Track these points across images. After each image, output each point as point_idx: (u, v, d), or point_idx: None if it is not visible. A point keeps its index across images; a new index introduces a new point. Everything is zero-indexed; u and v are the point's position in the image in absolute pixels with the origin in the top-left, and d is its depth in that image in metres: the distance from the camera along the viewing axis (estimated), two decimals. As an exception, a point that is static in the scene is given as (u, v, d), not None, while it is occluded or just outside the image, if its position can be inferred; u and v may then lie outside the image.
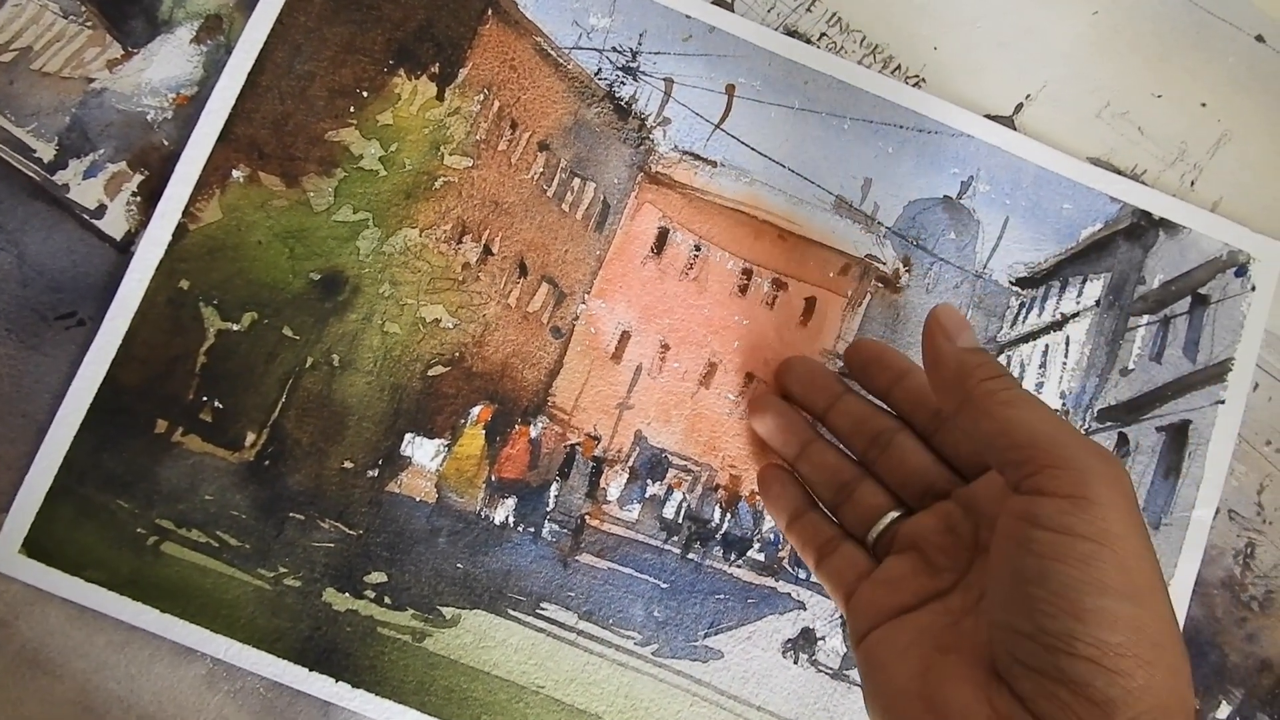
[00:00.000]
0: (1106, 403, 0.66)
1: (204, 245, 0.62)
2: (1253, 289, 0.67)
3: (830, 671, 0.62)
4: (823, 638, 0.62)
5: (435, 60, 0.65)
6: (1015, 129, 0.68)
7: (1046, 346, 0.67)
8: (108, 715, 0.59)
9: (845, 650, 0.62)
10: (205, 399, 0.61)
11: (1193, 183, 0.69)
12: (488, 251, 0.64)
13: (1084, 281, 0.67)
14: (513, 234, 0.65)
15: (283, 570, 0.60)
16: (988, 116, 0.68)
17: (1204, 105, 0.70)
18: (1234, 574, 0.65)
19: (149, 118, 0.64)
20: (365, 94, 0.65)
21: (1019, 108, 0.69)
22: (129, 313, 0.61)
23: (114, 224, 0.63)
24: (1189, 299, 0.67)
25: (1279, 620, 0.64)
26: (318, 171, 0.64)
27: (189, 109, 0.64)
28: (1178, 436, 0.66)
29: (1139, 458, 0.65)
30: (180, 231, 0.62)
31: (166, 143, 0.64)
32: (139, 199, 0.63)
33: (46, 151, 0.64)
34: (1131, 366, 0.67)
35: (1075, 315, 0.67)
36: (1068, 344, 0.67)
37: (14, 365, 0.61)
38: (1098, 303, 0.67)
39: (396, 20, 0.65)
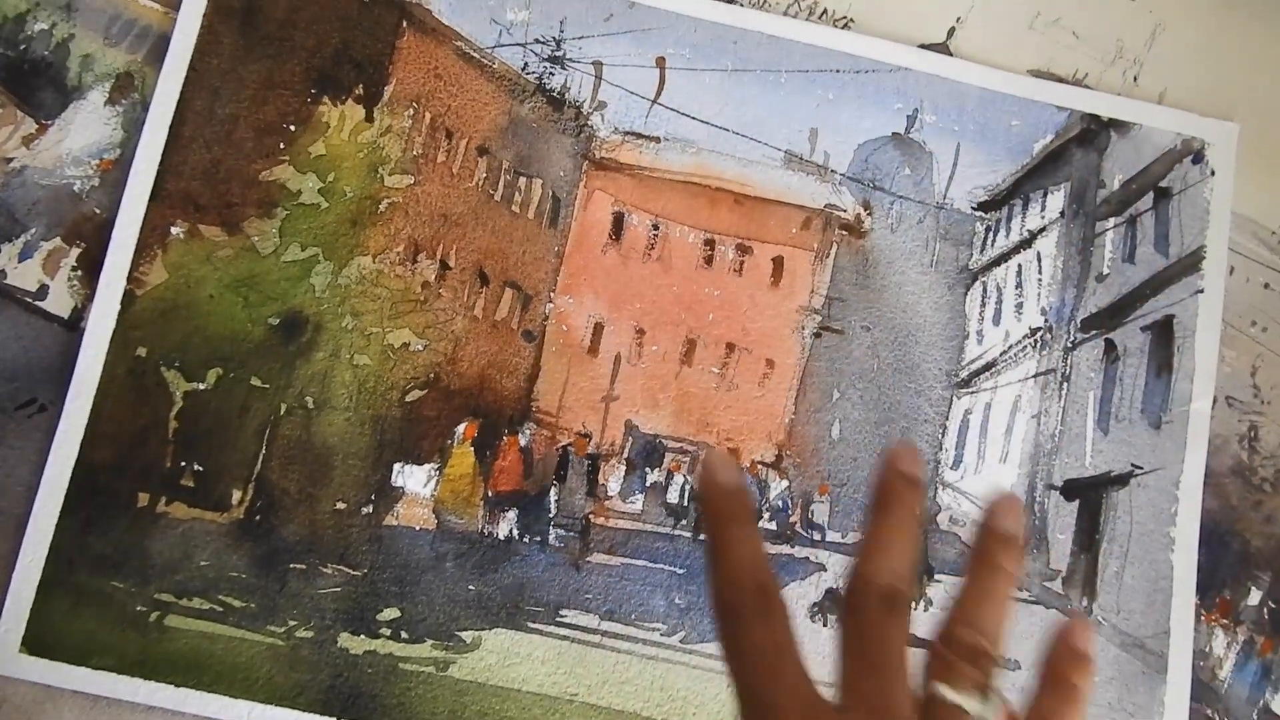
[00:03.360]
0: (1088, 311, 0.66)
1: (155, 309, 0.61)
2: (1212, 173, 0.67)
3: (861, 627, 0.61)
4: (848, 595, 0.62)
5: (358, 82, 0.64)
6: (951, 53, 0.67)
7: (1019, 266, 0.66)
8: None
9: (872, 603, 0.62)
10: (184, 464, 0.60)
11: (1135, 78, 0.69)
12: (445, 266, 0.63)
13: (1045, 195, 0.67)
14: (467, 244, 0.63)
15: (293, 623, 0.59)
16: (922, 46, 0.67)
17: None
18: (1242, 459, 0.64)
19: (76, 188, 0.63)
20: (293, 128, 0.63)
21: (951, 32, 0.68)
22: (90, 390, 0.59)
23: (59, 302, 0.62)
24: (1151, 195, 0.67)
25: (1294, 502, 0.64)
26: (258, 214, 0.62)
27: (115, 173, 0.63)
28: (1163, 333, 0.65)
29: (1129, 361, 0.65)
30: (128, 299, 0.61)
31: (98, 211, 0.62)
32: (80, 273, 0.62)
33: (-24, 242, 0.62)
34: (1106, 271, 0.66)
35: (1042, 230, 0.66)
36: (1039, 260, 0.66)
37: (-19, 464, 0.60)
38: (1062, 213, 0.67)
39: (311, 47, 0.64)
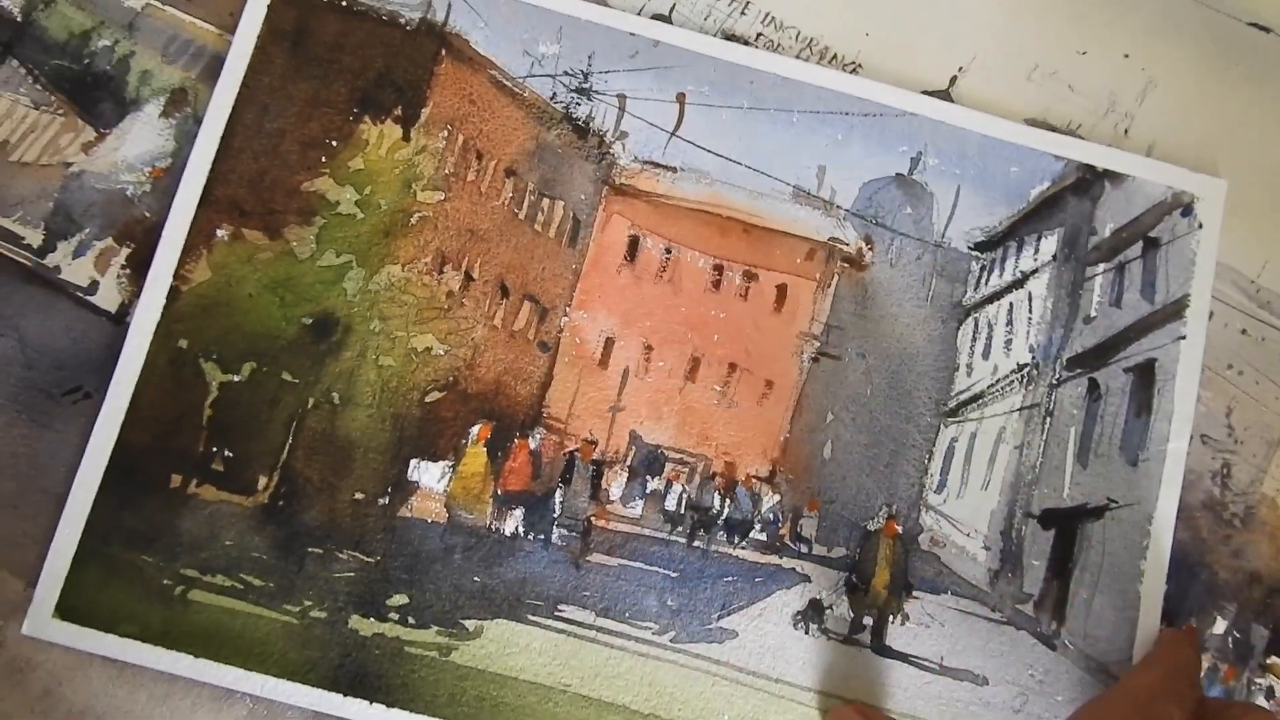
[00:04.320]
0: (1074, 350, 0.69)
1: (197, 304, 0.65)
2: (1200, 226, 0.70)
3: (840, 637, 0.64)
4: (830, 606, 0.65)
5: (397, 104, 0.68)
6: (953, 100, 0.71)
7: (1011, 304, 0.70)
8: (155, 768, 0.61)
9: (851, 616, 0.65)
10: (215, 449, 0.64)
11: (1126, 130, 0.72)
12: (469, 278, 0.67)
13: (1039, 239, 0.70)
14: (491, 258, 0.67)
15: (308, 603, 0.62)
16: (925, 93, 0.71)
17: (1127, 56, 0.73)
18: (1214, 495, 0.67)
19: (129, 193, 0.67)
20: (335, 143, 0.67)
21: (953, 80, 0.72)
22: (132, 378, 0.64)
23: (107, 297, 0.66)
24: (1140, 243, 0.70)
25: (1262, 534, 0.67)
26: (298, 222, 0.67)
27: (165, 180, 0.67)
28: (1145, 375, 0.68)
29: (1110, 400, 0.68)
30: (173, 294, 0.65)
31: (148, 214, 0.67)
32: (128, 270, 0.66)
33: (35, 237, 0.66)
34: (1094, 314, 0.69)
35: (1034, 271, 0.70)
36: (1030, 300, 0.70)
37: (29, 444, 0.64)
38: (1054, 257, 0.70)
39: (356, 70, 0.68)
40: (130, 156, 0.68)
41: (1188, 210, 0.70)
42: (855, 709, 0.47)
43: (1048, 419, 0.68)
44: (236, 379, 0.65)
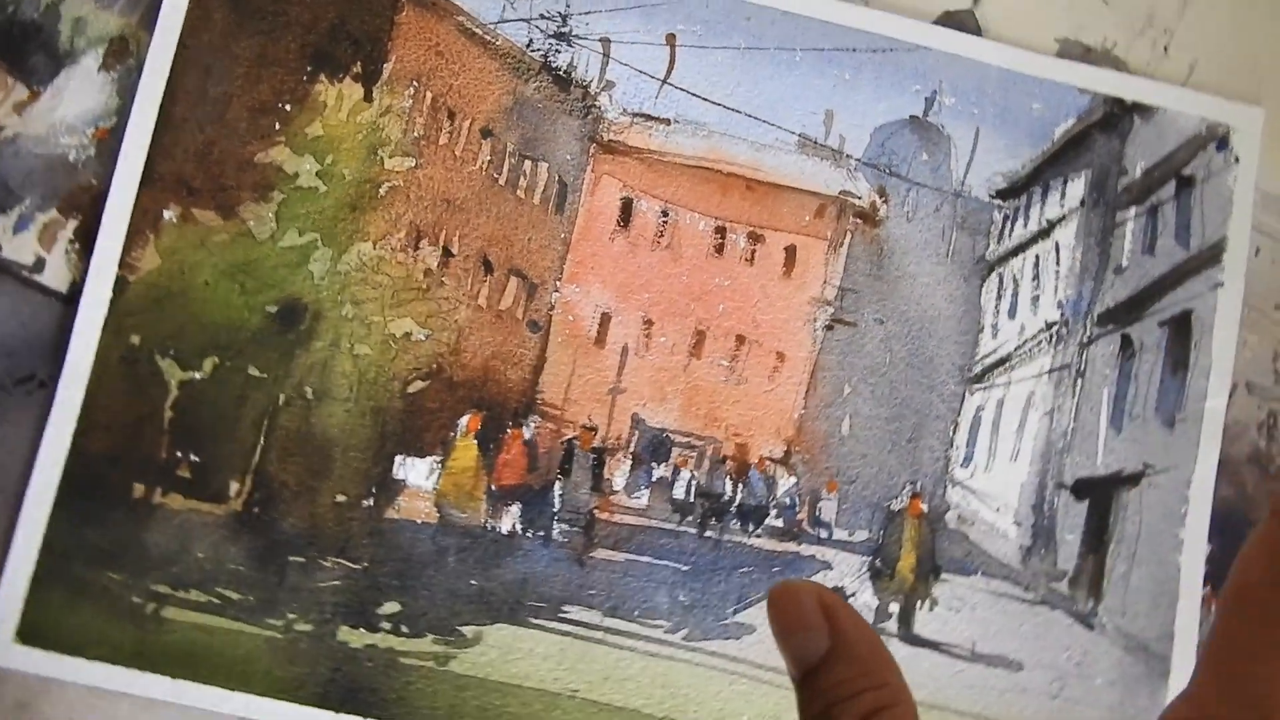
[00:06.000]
0: (1105, 305, 0.64)
1: (148, 295, 0.59)
2: (1236, 160, 0.65)
3: (866, 626, 0.61)
4: (853, 594, 0.61)
5: (355, 59, 0.61)
6: (978, 20, 0.65)
7: (1037, 257, 0.65)
8: (141, 784, 0.58)
9: (877, 603, 0.61)
10: (180, 454, 0.59)
11: (1165, 48, 0.66)
12: (448, 253, 0.61)
13: (1065, 183, 0.65)
14: (470, 231, 0.61)
15: (292, 616, 0.58)
16: (947, 14, 0.65)
17: (1166, -33, 0.67)
18: (1259, 447, 0.64)
19: (71, 158, 0.61)
20: (288, 107, 0.61)
21: (977, -2, 0.66)
22: (83, 378, 0.58)
23: (56, 276, 0.60)
24: (1173, 183, 0.65)
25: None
26: (254, 198, 0.60)
27: (111, 142, 0.60)
28: (1180, 329, 0.64)
29: (1145, 357, 0.64)
30: (120, 285, 0.59)
31: (95, 181, 0.60)
32: (78, 245, 0.60)
33: (-32, 212, 0.60)
34: (1125, 264, 0.65)
35: (1061, 219, 0.65)
36: (1058, 250, 0.65)
37: (-21, 440, 0.58)
38: (1082, 202, 0.65)
39: (306, 23, 0.61)
40: (70, 116, 0.61)
41: (1223, 143, 0.65)
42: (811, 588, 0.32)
43: (1079, 381, 0.64)
44: (198, 377, 0.59)
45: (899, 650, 0.61)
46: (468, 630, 0.59)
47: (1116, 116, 0.65)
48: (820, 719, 0.26)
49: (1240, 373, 0.64)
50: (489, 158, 0.62)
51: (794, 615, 0.27)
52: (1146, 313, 0.64)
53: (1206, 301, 0.64)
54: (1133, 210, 0.65)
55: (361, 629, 0.58)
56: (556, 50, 0.63)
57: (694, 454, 0.62)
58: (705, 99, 0.63)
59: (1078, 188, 0.65)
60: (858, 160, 0.64)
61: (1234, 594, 0.25)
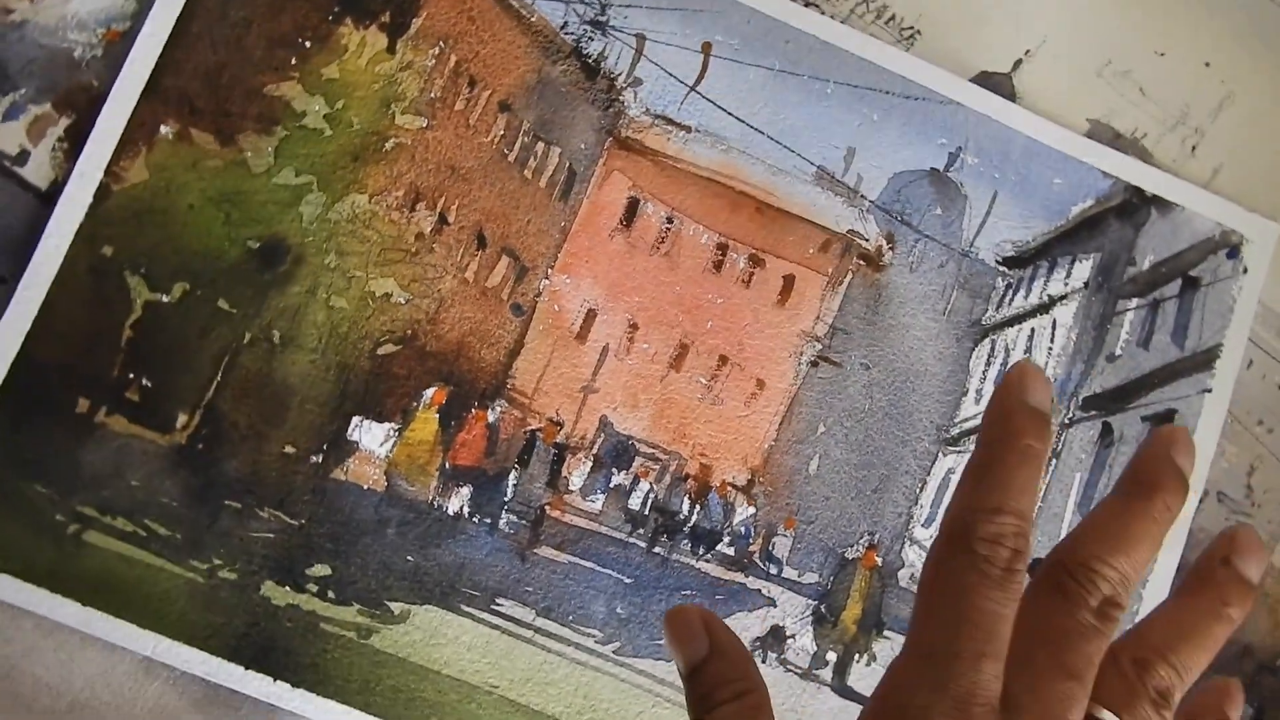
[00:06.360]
0: (1092, 390, 0.63)
1: (129, 208, 0.57)
2: (1244, 271, 0.64)
3: (799, 671, 0.59)
4: (792, 636, 0.60)
5: (385, 8, 0.60)
6: (1014, 86, 0.64)
7: (1033, 330, 0.64)
8: (36, 703, 0.55)
9: (815, 649, 0.60)
10: (132, 377, 0.57)
11: (1194, 147, 0.66)
12: (443, 221, 0.59)
13: (1073, 262, 0.64)
14: (470, 202, 0.60)
15: (217, 562, 0.56)
16: (984, 74, 0.64)
17: (1208, 65, 0.67)
18: (1221, 561, 0.63)
19: (76, 55, 0.58)
20: (308, 44, 0.59)
21: (1017, 64, 0.65)
22: (45, 281, 0.56)
23: (38, 171, 0.58)
24: (1179, 281, 0.65)
25: (1263, 606, 0.63)
26: (256, 129, 0.58)
27: (121, 46, 0.58)
28: (1163, 424, 0.63)
29: (1122, 448, 0.63)
30: (102, 193, 0.57)
31: (96, 83, 0.58)
32: (65, 145, 0.58)
33: (-40, 91, 0.58)
34: (1119, 352, 0.64)
35: (1063, 298, 0.64)
36: (1054, 328, 0.64)
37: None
38: (1086, 284, 0.64)
39: (343, -39, 0.59)
40: (82, 12, 0.59)
41: (1234, 252, 0.64)
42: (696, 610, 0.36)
43: (1054, 461, 0.63)
44: (165, 300, 0.57)
45: (830, 700, 0.59)
46: (395, 607, 0.57)
47: (1135, 206, 0.64)
48: (701, 700, 0.34)
49: (1214, 481, 0.63)
50: (502, 132, 0.60)
51: (684, 628, 0.36)
52: (1131, 405, 0.63)
53: (1192, 405, 0.63)
54: (1135, 301, 0.64)
55: (287, 587, 0.56)
56: (590, 37, 0.61)
57: (656, 466, 0.60)
58: (730, 113, 0.62)
59: (1084, 269, 0.64)
60: (871, 202, 0.63)
61: (920, 589, 0.32)
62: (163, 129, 0.58)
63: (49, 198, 0.57)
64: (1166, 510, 0.33)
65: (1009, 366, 0.36)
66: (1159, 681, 0.31)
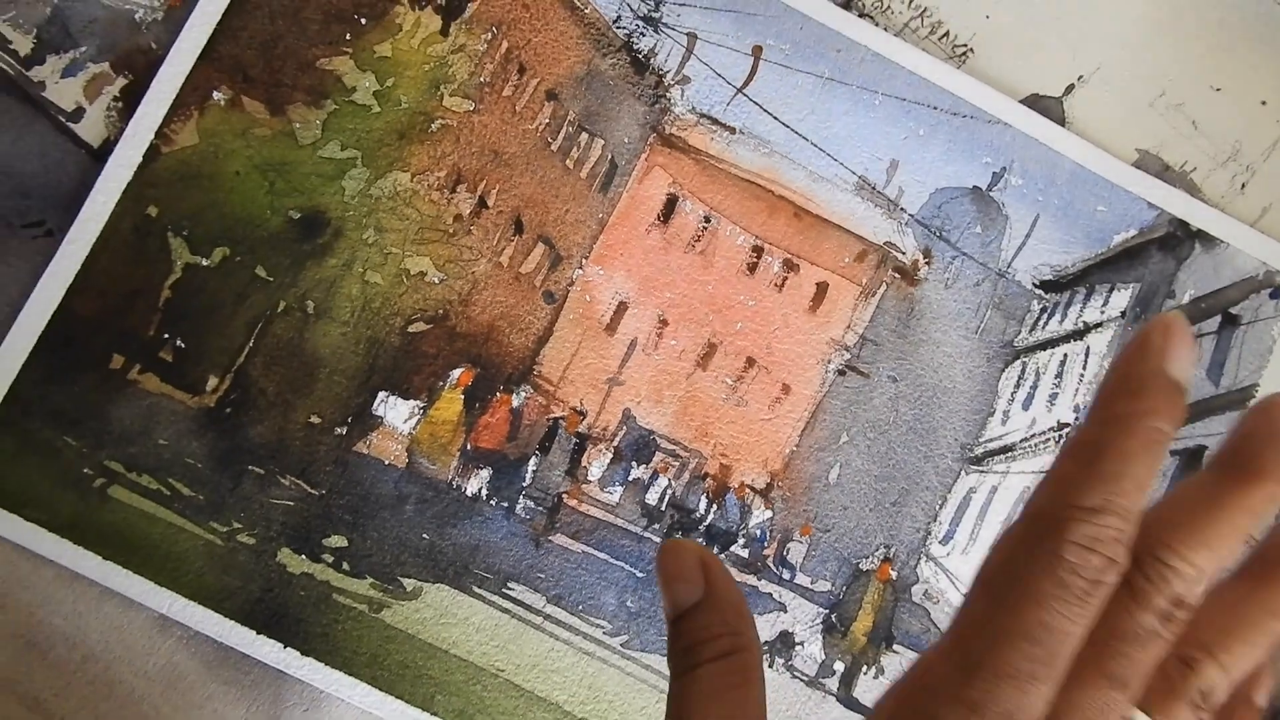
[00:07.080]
0: (1122, 420, 0.63)
1: (177, 171, 0.58)
2: (1286, 313, 0.63)
3: (806, 679, 0.59)
4: (801, 643, 0.59)
5: (442, -10, 0.60)
6: (1064, 111, 0.64)
7: (1065, 356, 0.63)
8: (51, 652, 0.56)
9: (823, 658, 0.59)
10: (166, 337, 0.57)
11: (1243, 185, 0.65)
12: (483, 204, 0.60)
13: (1111, 290, 0.64)
14: (511, 187, 0.60)
15: (237, 526, 0.56)
16: (1035, 96, 0.63)
17: (1264, 104, 0.66)
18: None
19: (137, 17, 0.59)
20: (364, 21, 0.60)
21: (1069, 89, 0.64)
22: (90, 237, 0.57)
23: (91, 129, 0.59)
24: (1219, 318, 0.64)
25: None
26: (306, 101, 0.59)
27: (181, 11, 0.59)
28: (1191, 462, 0.62)
29: (1150, 481, 0.62)
30: (152, 153, 0.58)
31: (155, 46, 0.59)
32: (120, 104, 0.59)
33: (23, 44, 0.59)
34: (1151, 384, 0.63)
35: (1098, 325, 0.63)
36: (1087, 355, 0.63)
37: (-27, 273, 0.57)
38: (1123, 314, 0.63)
39: (403, -57, 0.60)
40: (145, -24, 0.60)
41: (1277, 292, 0.63)
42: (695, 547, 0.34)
43: (1078, 489, 0.62)
44: (205, 263, 0.58)
45: (834, 710, 0.59)
46: (408, 583, 0.57)
47: (1178, 239, 0.64)
48: (684, 653, 0.30)
49: (1241, 523, 0.62)
50: (547, 120, 0.61)
51: (676, 566, 0.31)
52: (1161, 438, 0.63)
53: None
54: (1171, 334, 0.64)
55: (304, 555, 0.57)
56: (642, 33, 0.61)
57: (676, 463, 0.60)
58: (776, 117, 0.62)
59: (1122, 298, 0.63)
60: (911, 215, 0.62)
61: (980, 578, 0.27)
62: (215, 95, 0.58)
63: (100, 155, 0.58)
64: (1269, 502, 0.26)
65: (1148, 320, 0.29)
66: (1204, 683, 0.26)
